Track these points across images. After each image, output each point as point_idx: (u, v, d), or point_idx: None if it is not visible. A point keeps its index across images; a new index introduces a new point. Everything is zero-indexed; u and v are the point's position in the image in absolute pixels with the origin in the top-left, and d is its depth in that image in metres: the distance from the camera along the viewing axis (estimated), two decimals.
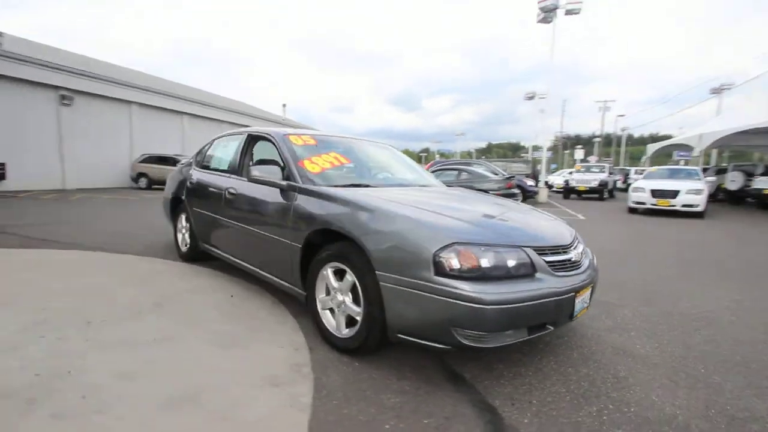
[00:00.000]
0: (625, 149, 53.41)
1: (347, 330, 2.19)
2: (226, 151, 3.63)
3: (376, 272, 1.94)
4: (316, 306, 2.37)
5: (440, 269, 1.78)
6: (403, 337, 1.92)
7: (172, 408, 1.68)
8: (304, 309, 2.84)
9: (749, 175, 14.05)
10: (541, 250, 1.97)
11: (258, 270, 2.98)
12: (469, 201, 2.67)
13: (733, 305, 3.27)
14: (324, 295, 2.34)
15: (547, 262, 1.95)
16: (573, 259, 2.11)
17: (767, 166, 13.80)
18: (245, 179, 3.10)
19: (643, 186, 10.80)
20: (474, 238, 1.85)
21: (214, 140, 4.04)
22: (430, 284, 1.77)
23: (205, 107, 21.11)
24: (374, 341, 2.05)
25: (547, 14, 14.70)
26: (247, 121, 24.20)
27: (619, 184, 21.49)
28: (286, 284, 2.66)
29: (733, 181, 14.44)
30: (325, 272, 2.29)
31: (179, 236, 4.26)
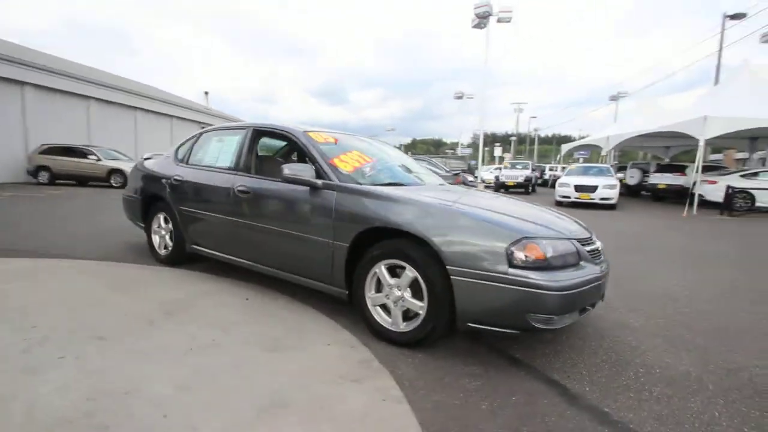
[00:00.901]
0: (537, 147, 59.00)
1: (405, 324, 2.27)
2: (223, 147, 3.40)
3: (447, 267, 2.05)
4: (365, 303, 2.40)
5: (512, 262, 1.95)
6: (473, 325, 2.06)
7: (266, 413, 1.63)
8: (330, 306, 2.85)
9: (644, 172, 16.58)
10: (582, 242, 2.26)
11: (278, 271, 2.88)
12: (502, 200, 2.88)
13: (682, 283, 3.95)
14: (374, 292, 2.38)
15: (588, 251, 2.24)
16: (599, 248, 2.43)
17: (659, 164, 16.38)
18: (262, 177, 2.96)
19: (567, 182, 12.19)
20: (538, 233, 2.06)
21: (199, 135, 3.75)
22: (505, 276, 1.94)
23: (116, 92, 18.75)
24: (439, 333, 2.16)
25: (482, 20, 15.69)
26: (168, 109, 22.12)
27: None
28: (321, 284, 2.64)
29: (632, 177, 16.89)
30: (377, 270, 2.33)
31: (155, 239, 3.89)
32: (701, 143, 10.61)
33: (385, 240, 2.33)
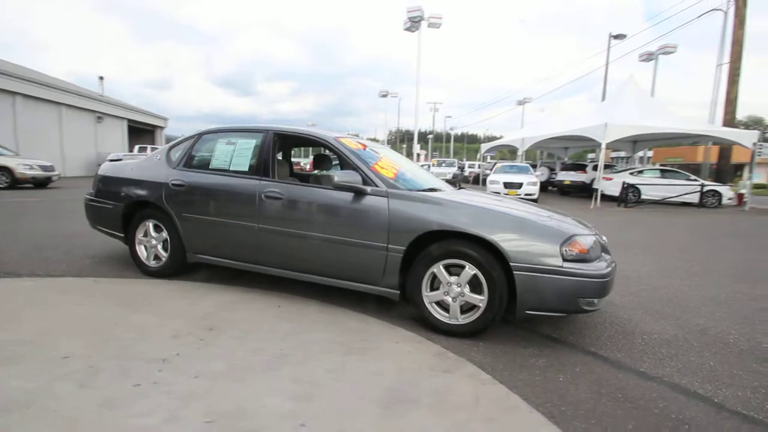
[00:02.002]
0: (453, 145, 62.98)
1: (463, 317, 2.51)
2: (237, 151, 3.24)
3: (511, 264, 2.33)
4: (422, 301, 2.57)
5: (565, 256, 2.31)
6: (531, 312, 2.38)
7: (394, 409, 1.74)
8: (362, 306, 2.96)
9: (551, 170, 18.93)
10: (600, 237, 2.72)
11: (315, 276, 2.90)
12: (524, 203, 3.22)
13: (626, 266, 4.79)
14: (429, 291, 2.57)
15: (604, 245, 2.71)
16: (606, 241, 2.93)
17: (563, 163, 18.80)
18: (296, 183, 2.93)
19: (497, 179, 13.43)
20: (578, 232, 2.45)
21: (198, 136, 3.50)
22: (561, 268, 2.28)
23: None
24: (496, 322, 2.44)
25: (414, 24, 16.36)
26: (56, 96, 18.95)
27: None
28: (368, 286, 2.74)
29: (542, 174, 19.14)
30: (435, 269, 2.52)
31: (141, 250, 3.54)
32: (603, 146, 12.52)
33: (441, 242, 2.52)
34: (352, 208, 2.71)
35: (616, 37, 22.38)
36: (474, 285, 2.46)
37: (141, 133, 29.16)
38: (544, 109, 21.21)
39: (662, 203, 13.13)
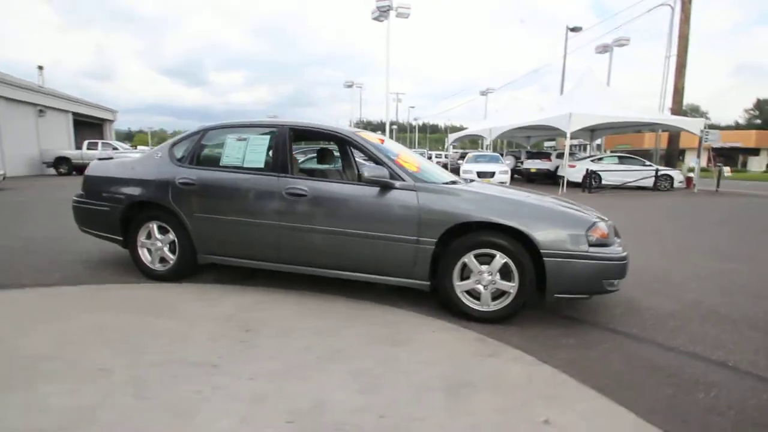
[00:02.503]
0: (417, 136, 63.54)
1: (494, 303, 2.62)
2: (249, 147, 3.14)
3: (542, 251, 2.46)
4: (453, 291, 2.66)
5: (590, 242, 2.47)
6: (559, 295, 2.53)
7: (459, 394, 1.82)
8: (385, 297, 3.01)
9: (517, 158, 19.66)
10: None
11: (341, 272, 2.91)
12: (537, 193, 3.35)
13: None
14: (460, 280, 2.66)
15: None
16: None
17: (528, 152, 19.57)
18: (320, 179, 2.91)
19: (470, 169, 13.78)
20: (598, 218, 2.61)
21: (203, 132, 3.36)
22: (587, 253, 2.44)
23: None
24: (523, 306, 2.58)
25: (382, 13, 16.27)
26: None
27: None
28: (397, 279, 2.79)
29: (508, 162, 19.84)
30: (466, 259, 2.61)
31: (144, 253, 3.37)
32: (568, 135, 13.16)
33: (470, 233, 2.61)
34: (381, 202, 2.74)
35: (573, 29, 23.39)
36: (504, 272, 2.58)
37: (88, 127, 27.09)
38: (516, 100, 21.75)
39: (621, 188, 14.05)
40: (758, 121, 66.27)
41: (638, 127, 17.66)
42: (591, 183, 13.61)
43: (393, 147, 3.22)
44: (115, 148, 19.33)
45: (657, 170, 14.18)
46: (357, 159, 3.98)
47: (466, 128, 26.11)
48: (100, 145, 19.94)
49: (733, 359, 2.25)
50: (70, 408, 1.66)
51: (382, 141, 3.18)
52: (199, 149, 3.31)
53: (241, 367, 2.02)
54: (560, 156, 17.29)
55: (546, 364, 2.12)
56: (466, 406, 1.75)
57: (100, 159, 3.77)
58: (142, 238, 3.37)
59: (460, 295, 2.66)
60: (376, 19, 16.71)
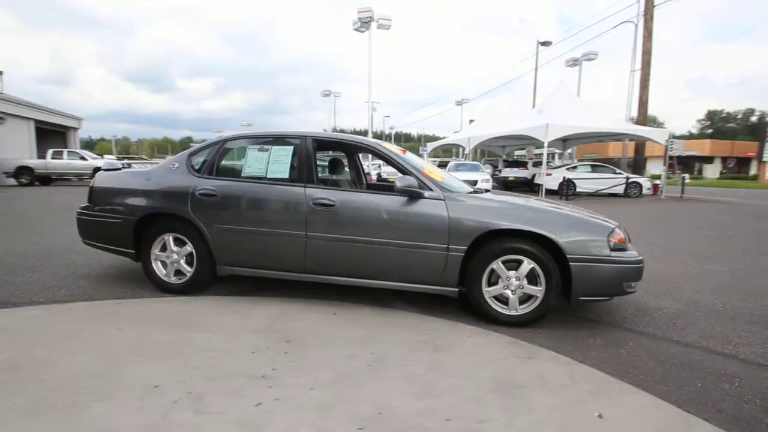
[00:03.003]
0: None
1: (521, 307, 2.74)
2: (272, 158, 3.15)
3: (568, 256, 2.60)
4: (482, 296, 2.76)
5: (611, 247, 2.64)
6: (583, 298, 2.68)
7: (510, 394, 1.91)
8: (412, 305, 3.09)
9: (494, 166, 20.25)
10: None
11: (369, 281, 2.96)
12: (552, 202, 3.53)
13: None
14: (488, 286, 2.77)
15: None
16: None
17: (506, 161, 20.19)
18: (348, 189, 2.96)
19: (455, 177, 14.09)
20: (616, 224, 2.79)
21: (222, 143, 3.33)
22: (610, 257, 2.61)
23: None
24: (551, 310, 2.71)
25: (364, 24, 16.48)
26: None
27: None
28: (426, 286, 2.86)
29: (488, 171, 20.42)
30: (495, 266, 2.72)
31: (158, 266, 3.29)
32: (546, 144, 13.71)
33: (498, 240, 2.73)
34: (411, 211, 2.82)
35: (543, 44, 24.48)
36: (530, 278, 2.70)
37: (50, 135, 25.73)
38: (492, 109, 22.35)
39: (595, 195, 14.73)
40: (710, 131, 71.31)
41: (609, 137, 18.60)
42: (567, 190, 14.20)
43: (415, 158, 3.31)
44: (83, 158, 18.46)
45: (627, 178, 14.97)
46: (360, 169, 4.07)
47: (443, 137, 26.64)
48: (65, 153, 19.03)
49: (742, 352, 2.46)
50: (133, 427, 1.63)
51: (404, 152, 3.27)
52: (218, 160, 3.28)
53: (295, 377, 2.03)
54: (536, 164, 17.98)
55: (582, 364, 2.25)
56: (523, 405, 1.84)
57: (106, 170, 3.65)
58: (156, 250, 3.30)
59: (489, 300, 2.77)
60: (357, 30, 16.91)
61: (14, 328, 2.56)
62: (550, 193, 14.79)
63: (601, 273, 2.63)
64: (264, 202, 3.07)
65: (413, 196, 2.82)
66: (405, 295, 3.26)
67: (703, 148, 39.77)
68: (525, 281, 2.71)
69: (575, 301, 2.69)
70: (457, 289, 2.83)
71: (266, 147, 3.23)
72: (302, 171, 3.07)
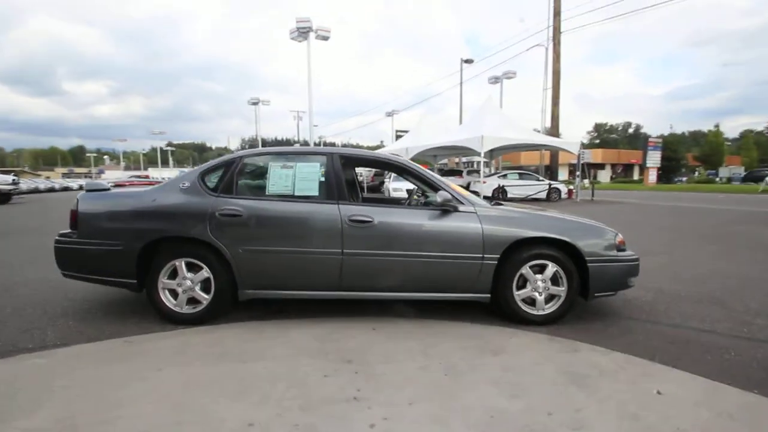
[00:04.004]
0: None
1: (548, 306, 3.04)
2: (300, 175, 3.08)
3: (587, 259, 2.96)
4: (513, 299, 3.00)
5: (618, 248, 3.07)
6: (597, 294, 3.06)
7: (579, 385, 2.15)
8: (451, 312, 3.25)
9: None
10: None
11: (403, 294, 3.05)
12: (559, 212, 3.90)
13: None
14: (517, 290, 3.03)
15: None
16: None
17: (441, 170, 21.29)
18: (384, 205, 3.01)
19: (399, 186, 14.53)
20: (615, 229, 3.24)
21: (239, 160, 3.17)
22: (617, 257, 3.03)
23: None
24: (571, 308, 3.06)
25: (302, 34, 16.33)
26: None
27: None
28: (463, 294, 3.04)
29: None
30: (524, 271, 2.99)
31: (166, 295, 3.02)
32: (482, 154, 14.84)
33: (525, 247, 3.00)
34: (448, 225, 2.97)
35: (467, 61, 26.46)
36: (553, 280, 3.02)
37: None
38: (421, 120, 23.39)
39: (524, 200, 16.27)
40: (597, 141, 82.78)
41: (531, 148, 20.63)
42: (500, 196, 15.49)
43: (435, 175, 3.47)
44: None
45: (550, 184, 16.80)
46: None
47: (368, 147, 27.25)
48: None
49: (719, 328, 3.02)
50: None
51: (427, 167, 3.42)
52: (236, 178, 3.11)
53: (386, 396, 2.05)
54: (470, 173, 19.30)
55: (616, 352, 2.59)
56: (598, 392, 2.09)
57: (89, 190, 3.21)
58: (163, 278, 3.01)
59: (519, 303, 3.02)
60: (294, 39, 16.68)
61: (26, 381, 2.18)
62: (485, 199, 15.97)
63: (611, 271, 3.04)
64: (296, 220, 2.99)
65: (450, 210, 2.98)
66: (417, 304, 3.40)
67: (596, 156, 46.02)
68: (549, 283, 3.02)
69: (591, 298, 3.07)
70: (489, 295, 3.04)
71: (290, 164, 3.15)
72: (332, 188, 3.06)
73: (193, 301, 3.05)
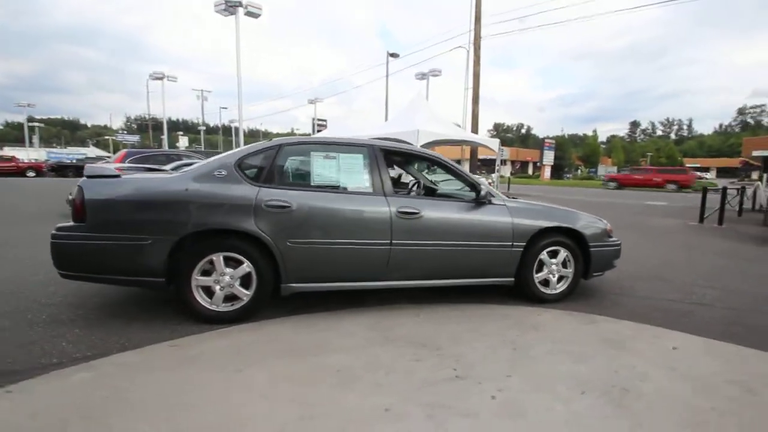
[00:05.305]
0: (241, 140, 59.12)
1: (558, 285, 3.53)
2: (344, 166, 3.06)
3: (590, 244, 3.49)
4: (533, 282, 3.42)
5: (609, 235, 3.68)
6: (594, 274, 3.63)
7: (624, 348, 2.63)
8: (477, 295, 3.57)
9: None
10: None
11: (440, 281, 3.27)
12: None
13: None
14: (536, 273, 3.45)
15: None
16: None
17: None
18: (430, 198, 3.17)
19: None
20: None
21: (278, 148, 3.01)
22: (608, 242, 3.64)
23: None
24: (576, 287, 3.59)
25: (230, 8, 15.07)
26: None
27: None
28: (492, 279, 3.36)
29: None
30: (542, 256, 3.42)
31: (200, 293, 2.80)
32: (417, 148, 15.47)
33: (546, 235, 3.42)
34: (484, 216, 3.25)
35: (392, 55, 27.03)
36: (563, 263, 3.51)
37: None
38: (349, 112, 23.36)
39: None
40: (497, 139, 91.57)
41: (457, 143, 22.02)
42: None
43: (466, 170, 3.71)
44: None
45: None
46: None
47: (291, 134, 26.45)
48: None
49: (676, 297, 3.82)
50: None
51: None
52: (277, 167, 2.97)
53: (481, 371, 2.26)
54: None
55: (625, 320, 3.15)
56: (635, 352, 2.57)
57: (91, 176, 2.73)
58: (196, 275, 2.77)
59: (538, 284, 3.45)
60: (220, 12, 15.29)
61: (92, 398, 1.89)
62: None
63: (605, 255, 3.64)
64: (347, 212, 2.98)
65: (485, 203, 3.26)
66: (429, 290, 3.62)
67: (494, 153, 50.75)
68: (561, 266, 3.51)
69: (590, 277, 3.64)
70: (513, 279, 3.41)
71: (332, 154, 3.10)
72: (379, 180, 3.11)
73: (230, 298, 2.85)
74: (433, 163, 3.65)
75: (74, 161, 31.22)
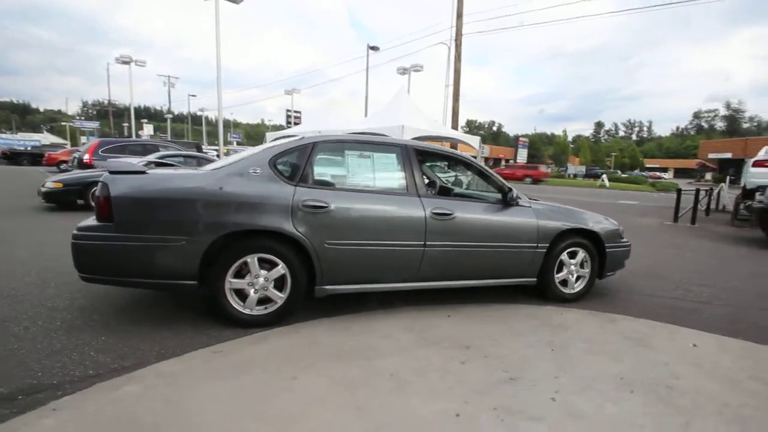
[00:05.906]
0: (203, 129, 56.94)
1: (576, 285, 3.64)
2: (378, 166, 3.02)
3: (606, 245, 3.63)
4: (554, 282, 3.52)
5: (621, 236, 3.83)
6: (608, 274, 3.78)
7: (647, 345, 2.76)
8: (497, 295, 3.64)
9: None
10: None
11: (477, 281, 3.33)
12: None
13: None
14: (557, 273, 3.55)
15: None
16: None
17: None
18: (462, 198, 3.19)
19: None
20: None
21: (312, 146, 2.93)
22: (621, 243, 3.79)
23: None
24: (592, 286, 3.73)
25: None
26: None
27: None
28: (516, 279, 3.44)
29: None
30: (563, 257, 3.52)
31: (232, 296, 2.71)
32: None
33: (566, 236, 3.52)
34: (512, 217, 3.31)
35: (372, 48, 26.79)
36: (580, 263, 3.63)
37: None
38: (327, 104, 22.97)
39: None
40: (477, 137, 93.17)
41: (438, 140, 22.21)
42: None
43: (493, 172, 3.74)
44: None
45: (456, 174, 18.47)
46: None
47: (260, 125, 25.82)
48: None
49: (678, 295, 4.05)
50: None
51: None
52: (312, 166, 2.89)
53: (530, 372, 2.31)
54: None
55: (641, 318, 3.30)
56: (660, 350, 2.70)
57: (114, 172, 2.55)
58: (229, 277, 2.67)
59: (558, 284, 3.56)
60: None
61: (142, 414, 1.79)
62: None
63: (619, 255, 3.80)
64: (384, 213, 2.95)
65: (513, 205, 3.32)
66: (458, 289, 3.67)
67: (474, 150, 51.60)
68: (579, 267, 3.62)
69: (604, 277, 3.79)
70: (535, 279, 3.50)
71: (366, 154, 3.05)
72: (411, 180, 3.09)
73: (263, 301, 2.77)
74: (464, 164, 3.66)
75: (29, 148, 29.13)
